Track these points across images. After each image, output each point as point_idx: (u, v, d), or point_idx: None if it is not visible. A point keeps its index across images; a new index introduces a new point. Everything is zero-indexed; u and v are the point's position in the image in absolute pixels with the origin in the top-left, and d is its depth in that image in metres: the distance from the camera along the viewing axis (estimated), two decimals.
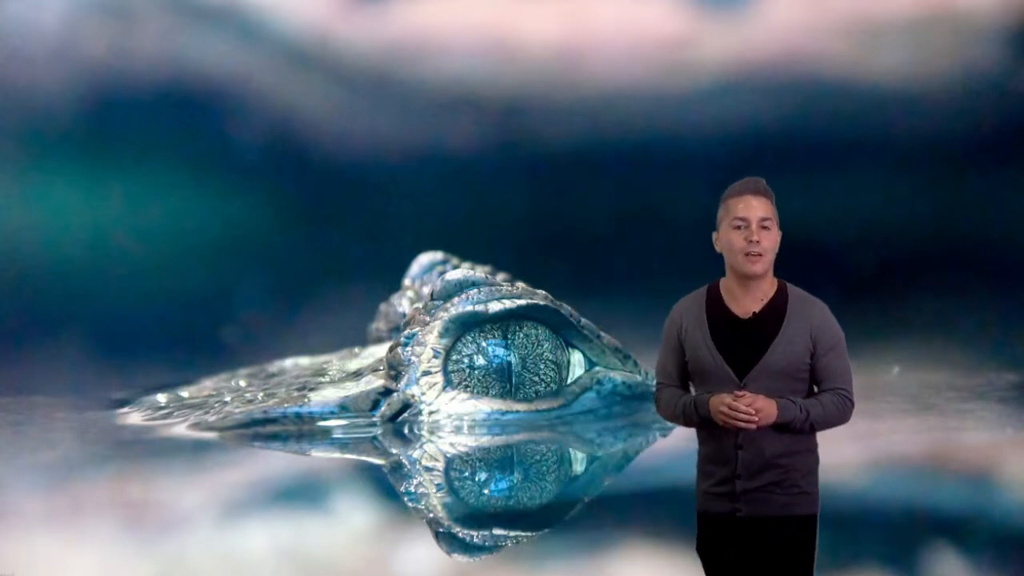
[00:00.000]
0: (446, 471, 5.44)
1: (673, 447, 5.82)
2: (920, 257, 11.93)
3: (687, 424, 3.89)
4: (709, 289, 3.90)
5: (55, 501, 5.24)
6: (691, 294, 3.93)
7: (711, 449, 3.86)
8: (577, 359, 6.10)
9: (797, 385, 3.81)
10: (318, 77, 12.56)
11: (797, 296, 3.85)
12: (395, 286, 7.20)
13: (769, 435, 3.80)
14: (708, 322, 3.84)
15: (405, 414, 6.00)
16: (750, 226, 3.82)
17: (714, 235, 3.90)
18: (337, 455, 5.78)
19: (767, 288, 3.85)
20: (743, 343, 3.81)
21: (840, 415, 3.84)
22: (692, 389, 3.93)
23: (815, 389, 3.86)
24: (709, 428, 3.84)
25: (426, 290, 6.63)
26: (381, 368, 6.13)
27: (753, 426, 3.75)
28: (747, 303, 3.84)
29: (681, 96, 12.51)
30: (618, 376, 6.11)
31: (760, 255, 3.81)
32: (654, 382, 6.17)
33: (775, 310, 3.83)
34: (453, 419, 5.95)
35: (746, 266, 3.82)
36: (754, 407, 3.74)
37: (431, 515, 4.90)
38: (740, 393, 3.76)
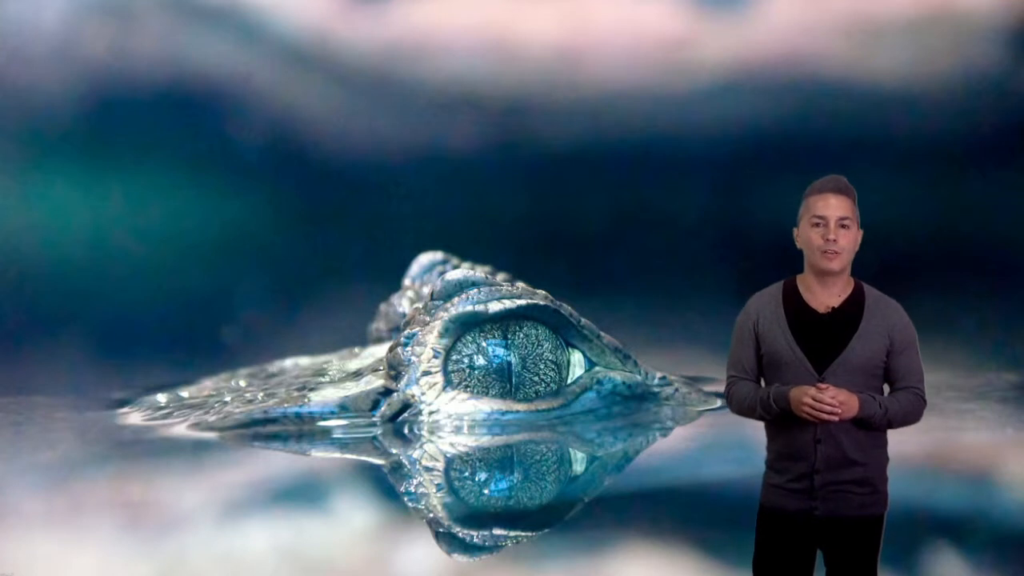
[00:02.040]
0: (446, 471, 5.44)
1: (673, 447, 5.82)
2: (920, 257, 11.93)
3: (761, 418, 3.88)
4: (785, 284, 3.93)
5: (55, 501, 5.24)
6: (765, 289, 3.96)
7: (786, 444, 3.86)
8: (577, 359, 6.10)
9: (873, 382, 3.84)
10: (318, 77, 12.56)
11: (873, 295, 3.90)
12: (395, 286, 7.20)
13: (847, 430, 3.82)
14: (786, 316, 3.85)
15: (405, 414, 5.99)
16: (828, 224, 3.86)
17: (794, 231, 3.93)
18: (337, 455, 5.78)
19: (844, 285, 3.89)
20: (822, 338, 3.84)
21: (915, 413, 3.88)
22: (763, 383, 3.93)
23: (886, 388, 3.89)
24: (785, 422, 3.84)
25: (426, 290, 6.63)
26: (381, 368, 6.13)
27: (836, 418, 3.77)
28: (824, 299, 3.87)
29: (681, 96, 12.51)
30: (618, 376, 6.11)
31: (837, 253, 3.85)
32: (655, 382, 6.19)
33: (853, 307, 3.87)
34: (453, 419, 5.95)
35: (823, 263, 3.85)
36: (837, 400, 3.76)
37: (431, 515, 4.90)
38: (823, 386, 3.77)
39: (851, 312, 3.86)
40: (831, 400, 3.76)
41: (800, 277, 3.93)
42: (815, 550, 3.82)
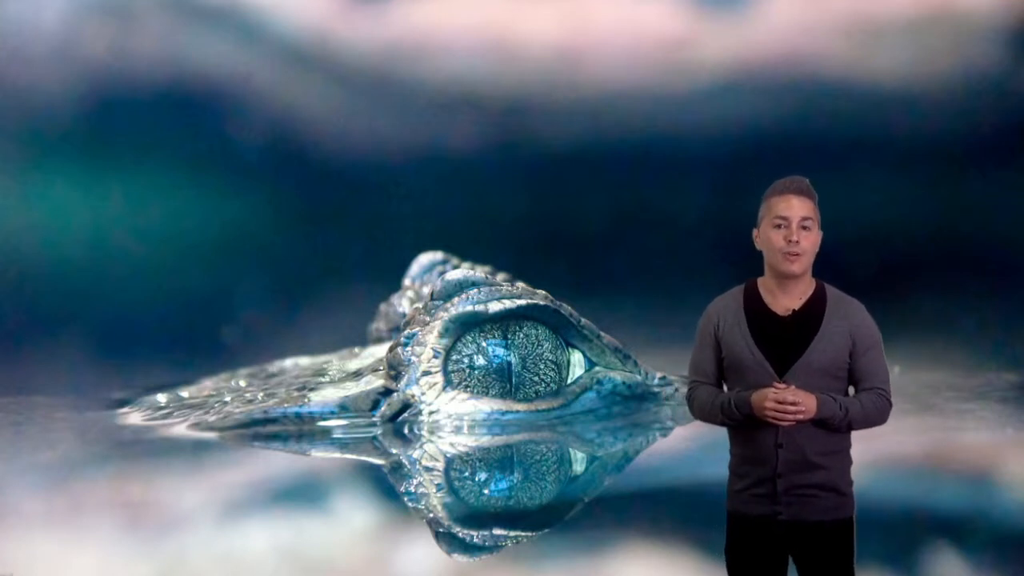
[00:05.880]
0: (446, 471, 5.44)
1: (673, 447, 5.82)
2: (920, 257, 11.93)
3: (723, 423, 3.84)
4: (746, 287, 3.88)
5: (55, 501, 5.25)
6: (727, 292, 3.91)
7: (749, 449, 3.81)
8: (577, 359, 6.10)
9: (836, 384, 3.80)
10: (318, 77, 12.57)
11: (835, 295, 3.85)
12: (395, 286, 7.20)
13: (809, 433, 3.77)
14: (747, 319, 3.82)
15: (405, 414, 6.00)
16: (790, 226, 3.82)
17: (754, 232, 3.89)
18: (337, 455, 5.78)
19: (805, 287, 3.84)
20: (783, 340, 3.79)
21: (879, 415, 3.83)
22: (725, 388, 3.90)
23: (851, 390, 3.85)
24: (747, 427, 3.80)
25: (426, 290, 6.63)
26: (381, 368, 6.13)
27: (800, 418, 3.72)
28: (786, 301, 3.83)
29: (681, 96, 12.51)
30: (618, 376, 6.11)
31: (799, 255, 3.80)
32: (655, 382, 6.19)
33: (814, 308, 3.82)
34: (453, 419, 5.95)
35: (784, 265, 3.81)
36: (797, 399, 3.71)
37: (431, 515, 4.90)
38: (781, 385, 3.72)
39: (812, 314, 3.81)
40: (793, 398, 3.72)
41: (761, 280, 3.87)
42: (785, 557, 3.79)
